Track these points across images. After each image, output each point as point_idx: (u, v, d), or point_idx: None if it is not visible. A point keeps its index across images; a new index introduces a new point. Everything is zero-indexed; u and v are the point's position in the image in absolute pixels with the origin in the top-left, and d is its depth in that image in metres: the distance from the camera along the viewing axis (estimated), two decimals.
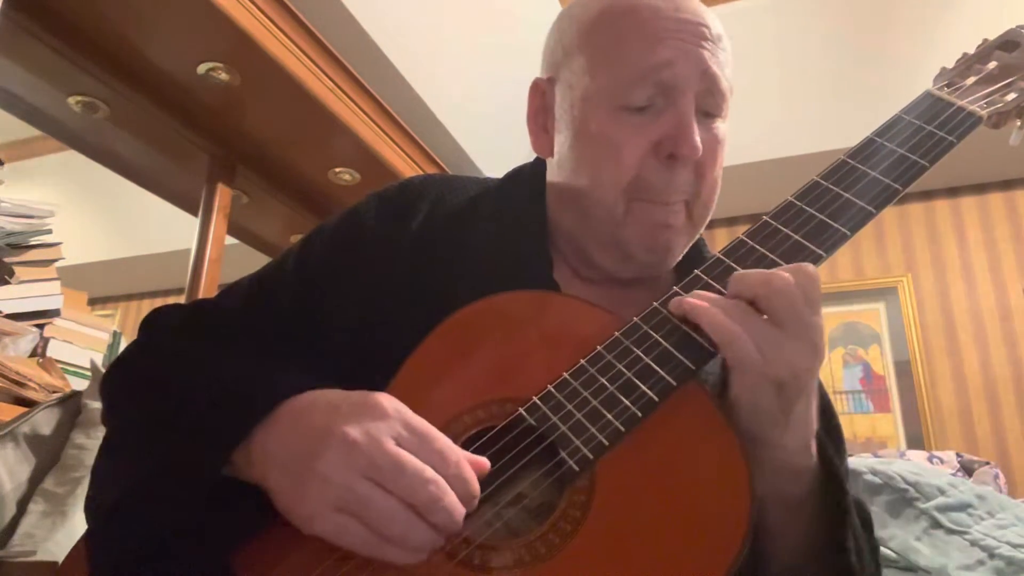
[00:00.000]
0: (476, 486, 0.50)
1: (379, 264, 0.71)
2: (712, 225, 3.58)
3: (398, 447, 0.48)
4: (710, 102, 0.68)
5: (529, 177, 0.80)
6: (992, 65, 0.72)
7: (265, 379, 0.57)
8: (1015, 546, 1.61)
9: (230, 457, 0.54)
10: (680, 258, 0.73)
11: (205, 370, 0.62)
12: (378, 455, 0.47)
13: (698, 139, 0.65)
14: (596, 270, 0.73)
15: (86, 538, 0.59)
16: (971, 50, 0.77)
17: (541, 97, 0.76)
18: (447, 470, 0.48)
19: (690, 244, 0.73)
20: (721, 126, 0.70)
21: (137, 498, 0.56)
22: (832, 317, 3.04)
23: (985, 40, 0.76)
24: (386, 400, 0.51)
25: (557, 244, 0.75)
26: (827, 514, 0.59)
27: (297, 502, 0.49)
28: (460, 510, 0.48)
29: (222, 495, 0.54)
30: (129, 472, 0.59)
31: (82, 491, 1.16)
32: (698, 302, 0.56)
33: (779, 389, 0.53)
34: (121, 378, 0.69)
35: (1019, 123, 0.70)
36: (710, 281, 0.61)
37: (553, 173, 0.76)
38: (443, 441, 0.50)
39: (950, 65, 0.76)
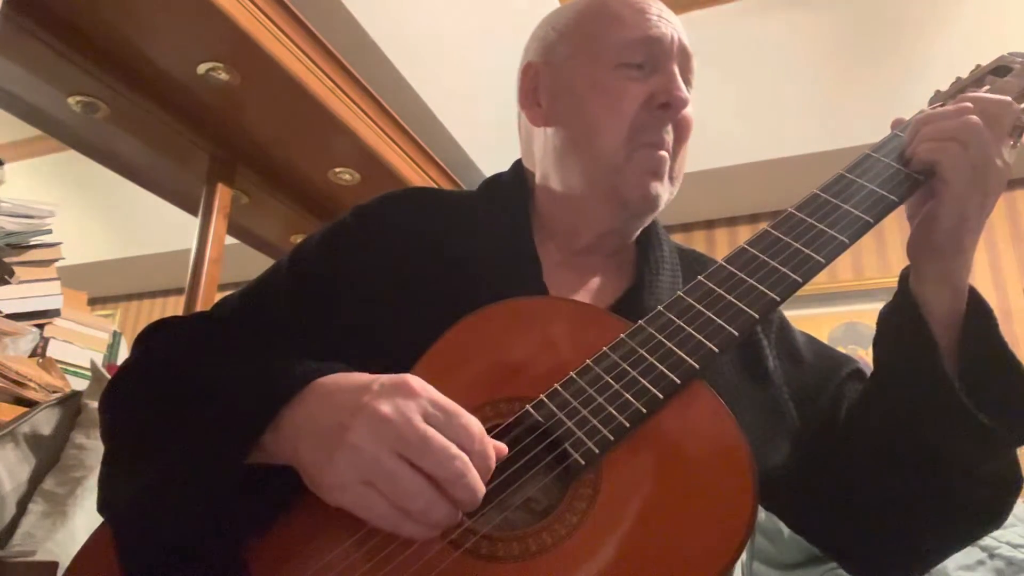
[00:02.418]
0: (493, 461, 0.51)
1: (365, 274, 0.73)
2: (712, 225, 3.56)
3: (426, 424, 0.49)
4: (686, 72, 0.79)
5: (508, 183, 0.84)
6: (985, 88, 0.74)
7: (292, 362, 0.59)
8: (1015, 546, 1.61)
9: (260, 439, 0.55)
10: (644, 225, 0.81)
11: (223, 366, 0.63)
12: (407, 430, 0.49)
13: (686, 92, 0.76)
14: (586, 234, 0.78)
15: (114, 541, 0.59)
16: (968, 55, 0.79)
17: (535, 77, 0.82)
18: (472, 446, 0.50)
19: (664, 204, 0.80)
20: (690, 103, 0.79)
21: (165, 492, 0.57)
22: (832, 317, 3.04)
23: (978, 65, 0.79)
24: (415, 380, 0.52)
25: (543, 231, 0.80)
26: (983, 326, 0.65)
27: (324, 472, 0.50)
28: (481, 487, 0.49)
29: (243, 486, 0.55)
30: (152, 468, 0.59)
31: (82, 491, 1.16)
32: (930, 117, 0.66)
33: (984, 196, 0.63)
34: (128, 385, 0.69)
35: (1011, 143, 0.72)
36: (713, 287, 0.63)
37: (547, 141, 0.81)
38: (468, 418, 0.51)
39: (945, 84, 0.79)
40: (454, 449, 0.49)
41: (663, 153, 0.75)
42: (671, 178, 0.77)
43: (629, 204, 0.76)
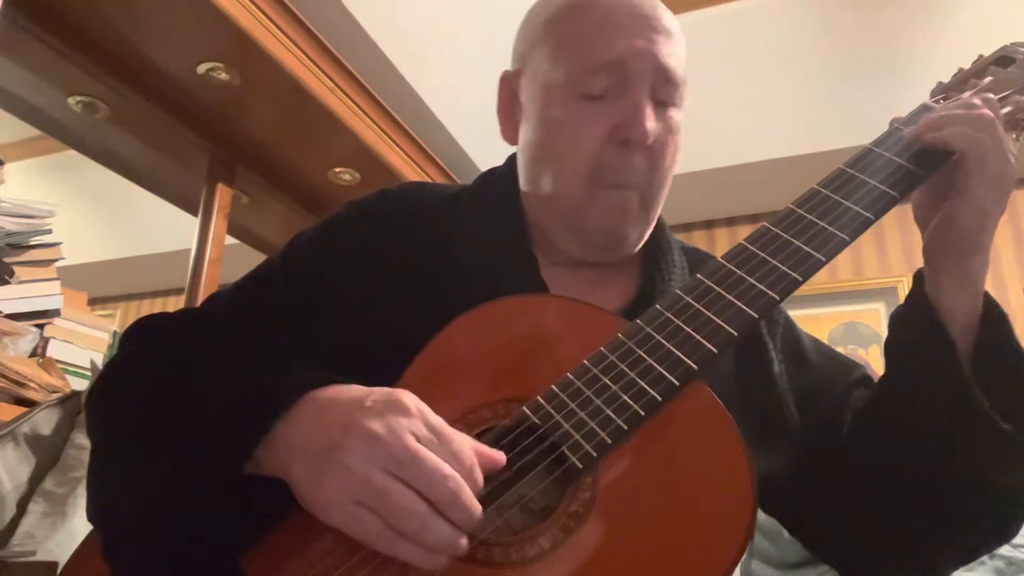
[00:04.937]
0: (481, 484, 0.50)
1: (362, 271, 0.72)
2: (712, 225, 3.56)
3: (418, 444, 0.49)
4: (664, 91, 0.71)
5: (502, 177, 0.82)
6: (987, 80, 0.73)
7: (284, 373, 0.58)
8: (1015, 546, 1.61)
9: (253, 452, 0.54)
10: (641, 244, 0.76)
11: (215, 370, 0.62)
12: (399, 450, 0.48)
13: (650, 125, 0.68)
14: (562, 255, 0.75)
15: (104, 548, 0.58)
16: (967, 56, 0.78)
17: (509, 89, 0.79)
18: (462, 471, 0.49)
19: (647, 232, 0.75)
20: (676, 115, 0.73)
21: (158, 501, 0.56)
22: (832, 317, 3.04)
23: (980, 56, 0.78)
24: (408, 397, 0.51)
25: (533, 235, 0.77)
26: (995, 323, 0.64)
27: (316, 492, 0.50)
28: (477, 507, 0.48)
29: (236, 495, 0.55)
30: (146, 477, 0.58)
31: (82, 491, 1.16)
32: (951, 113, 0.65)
33: (1003, 193, 0.63)
34: (116, 386, 0.68)
35: (1014, 135, 0.71)
36: (712, 285, 0.62)
37: (520, 162, 0.78)
38: (460, 442, 0.51)
39: (946, 78, 0.78)
40: (447, 468, 0.48)
41: (631, 193, 0.70)
42: (646, 209, 0.73)
43: (593, 242, 0.73)
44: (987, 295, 0.65)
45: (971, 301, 0.64)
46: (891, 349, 0.69)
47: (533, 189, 0.75)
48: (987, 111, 0.63)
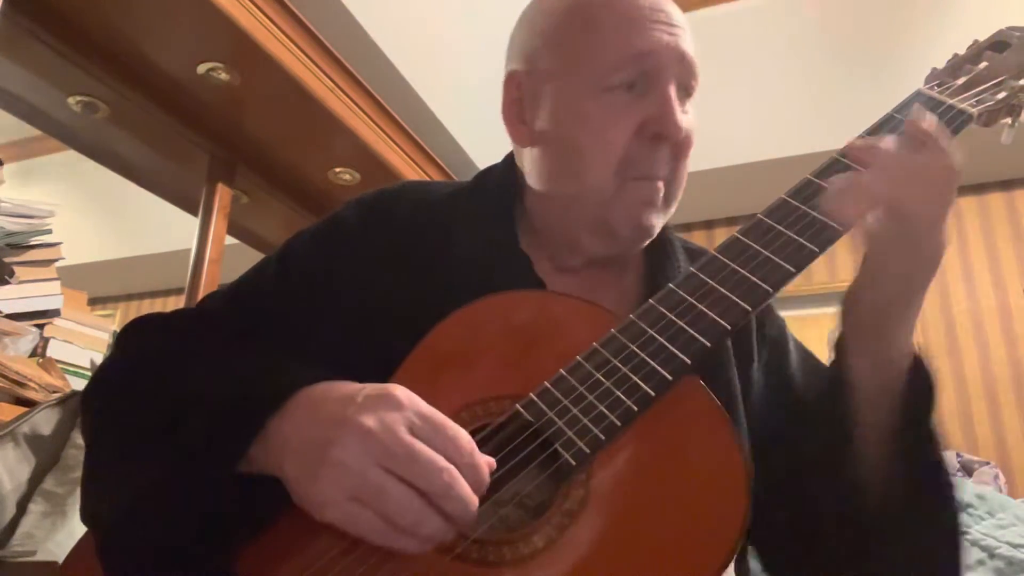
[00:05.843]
0: (486, 475, 0.50)
1: (361, 270, 0.72)
2: (712, 225, 3.56)
3: (412, 436, 0.48)
4: (689, 83, 0.71)
5: (499, 175, 0.81)
6: (982, 65, 0.72)
7: (278, 370, 0.58)
8: (1015, 546, 1.61)
9: (248, 450, 0.54)
10: (639, 248, 0.76)
11: (208, 369, 0.62)
12: (392, 443, 0.48)
13: (682, 119, 0.68)
14: (578, 255, 0.75)
15: (98, 548, 0.58)
16: (962, 51, 0.77)
17: (517, 89, 0.77)
18: (460, 459, 0.49)
19: (663, 224, 0.75)
20: (691, 108, 0.73)
21: (152, 501, 0.56)
22: (832, 317, 3.04)
23: (975, 41, 0.77)
24: (400, 391, 0.51)
25: (536, 236, 0.77)
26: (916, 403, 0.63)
27: (311, 489, 0.49)
28: (473, 499, 0.48)
29: (232, 493, 0.55)
30: (139, 477, 0.58)
31: None
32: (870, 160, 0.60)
33: (928, 261, 0.60)
34: (111, 386, 0.68)
35: (1009, 121, 0.71)
36: (705, 278, 0.61)
37: (533, 162, 0.76)
38: (456, 430, 0.50)
39: (941, 66, 0.77)
40: (442, 461, 0.48)
41: (658, 184, 0.70)
42: (667, 202, 0.73)
43: (619, 237, 0.72)
44: (918, 361, 0.63)
45: (889, 372, 0.62)
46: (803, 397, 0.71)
47: (552, 187, 0.74)
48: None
